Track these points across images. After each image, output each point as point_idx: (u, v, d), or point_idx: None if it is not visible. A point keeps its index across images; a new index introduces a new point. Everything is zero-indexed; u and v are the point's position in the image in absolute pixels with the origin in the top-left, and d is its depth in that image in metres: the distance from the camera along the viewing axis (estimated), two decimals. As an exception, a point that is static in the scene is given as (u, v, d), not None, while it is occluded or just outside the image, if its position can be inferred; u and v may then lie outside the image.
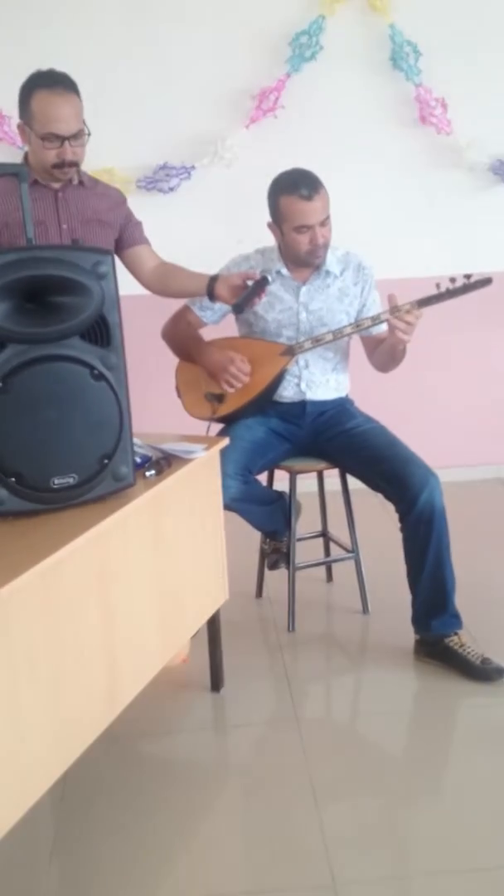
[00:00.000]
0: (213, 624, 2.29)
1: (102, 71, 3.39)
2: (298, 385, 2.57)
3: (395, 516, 2.39)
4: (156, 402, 2.74)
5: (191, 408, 2.61)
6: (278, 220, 2.44)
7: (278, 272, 2.51)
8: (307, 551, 2.85)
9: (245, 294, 2.30)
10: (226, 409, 2.54)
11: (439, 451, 2.97)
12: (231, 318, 2.62)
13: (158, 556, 1.93)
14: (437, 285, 2.36)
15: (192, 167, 3.62)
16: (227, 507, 2.30)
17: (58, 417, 1.64)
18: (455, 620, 2.38)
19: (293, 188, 2.37)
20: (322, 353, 2.56)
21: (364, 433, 2.53)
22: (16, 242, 2.22)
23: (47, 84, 2.19)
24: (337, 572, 2.98)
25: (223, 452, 2.22)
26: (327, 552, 2.94)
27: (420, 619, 2.41)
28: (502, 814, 1.84)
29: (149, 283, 2.51)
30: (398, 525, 2.39)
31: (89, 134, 2.25)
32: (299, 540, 2.74)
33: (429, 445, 2.60)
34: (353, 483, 2.59)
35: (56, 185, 2.30)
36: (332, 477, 2.69)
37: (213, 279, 2.36)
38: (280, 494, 2.69)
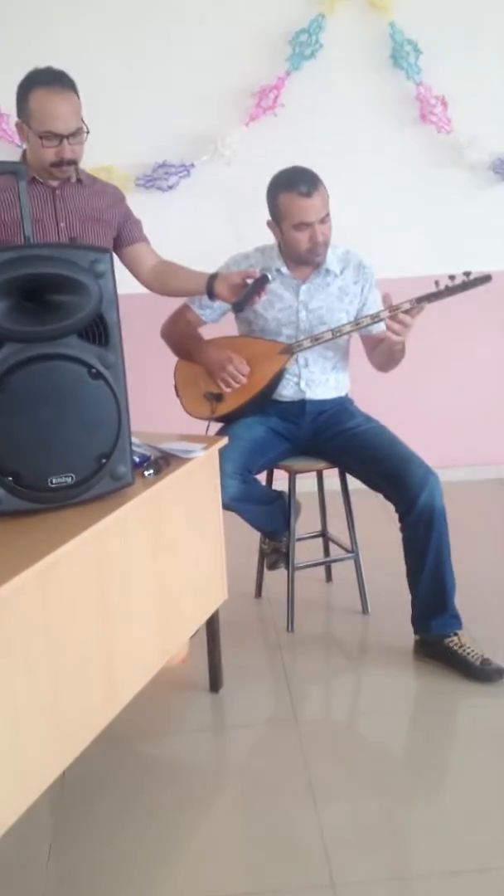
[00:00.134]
0: (212, 624, 2.28)
1: (101, 68, 3.38)
2: (298, 384, 2.57)
3: (395, 516, 2.39)
4: (154, 401, 2.73)
5: (189, 407, 2.61)
6: (277, 218, 2.43)
7: (278, 270, 2.50)
8: (307, 551, 2.84)
9: (245, 292, 2.29)
10: (225, 408, 2.53)
11: (439, 450, 2.96)
12: (230, 316, 2.61)
13: (157, 556, 1.92)
14: (437, 283, 2.35)
15: (192, 165, 3.61)
16: (226, 506, 2.30)
17: (55, 416, 1.64)
18: (455, 621, 2.37)
19: (292, 185, 2.36)
20: (322, 352, 2.55)
21: (364, 433, 2.52)
22: (13, 241, 2.21)
23: (45, 82, 2.18)
24: (336, 572, 2.97)
25: (222, 452, 2.21)
26: (327, 552, 2.93)
27: (420, 620, 2.41)
28: (501, 814, 1.84)
29: (148, 282, 2.50)
30: (398, 525, 2.39)
31: (88, 132, 2.24)
32: (299, 540, 2.73)
33: (429, 445, 2.60)
34: (353, 483, 2.58)
35: (54, 183, 2.29)
36: (332, 476, 2.68)
37: (213, 277, 2.35)
38: (279, 494, 2.69)
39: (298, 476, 2.65)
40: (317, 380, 2.58)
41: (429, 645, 2.40)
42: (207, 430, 2.50)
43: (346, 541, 2.73)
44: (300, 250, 2.44)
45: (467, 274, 2.36)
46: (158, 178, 3.61)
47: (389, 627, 2.58)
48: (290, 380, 2.56)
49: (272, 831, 1.81)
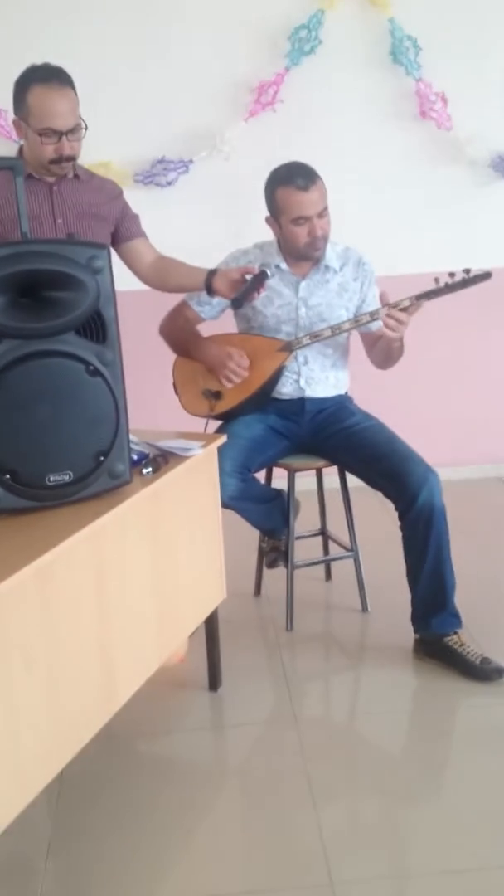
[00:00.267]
0: (211, 623, 2.27)
1: (100, 64, 3.37)
2: (297, 382, 2.56)
3: (395, 514, 2.38)
4: (152, 399, 2.72)
5: (188, 405, 2.60)
6: (276, 213, 2.43)
7: (277, 267, 2.49)
8: (306, 550, 2.83)
9: (244, 288, 2.28)
10: (224, 405, 2.52)
11: (439, 448, 2.96)
12: (229, 313, 2.60)
13: (155, 554, 1.91)
14: (436, 280, 2.35)
15: (190, 161, 3.60)
16: (225, 505, 2.29)
17: (53, 414, 1.63)
18: (455, 619, 2.36)
19: (289, 180, 2.35)
20: (321, 350, 2.54)
21: (363, 431, 2.51)
22: (9, 237, 2.20)
23: (43, 79, 2.17)
24: (336, 571, 2.96)
25: (221, 450, 2.20)
26: (326, 551, 2.93)
27: (419, 618, 2.40)
28: (501, 814, 1.83)
29: (147, 278, 2.49)
30: (397, 523, 2.38)
31: (86, 128, 2.23)
32: (298, 538, 2.72)
33: (429, 443, 2.59)
34: (353, 481, 2.57)
35: (50, 179, 2.28)
36: (331, 475, 2.67)
37: (212, 273, 2.34)
38: (278, 492, 2.68)
39: (298, 474, 2.64)
40: (316, 377, 2.57)
41: (428, 644, 2.39)
42: (206, 427, 2.49)
43: (346, 539, 2.72)
44: (299, 245, 2.43)
45: (467, 271, 2.35)
46: (157, 174, 3.60)
47: (389, 626, 2.57)
48: (290, 377, 2.55)
49: (271, 830, 1.81)
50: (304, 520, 2.83)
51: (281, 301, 2.51)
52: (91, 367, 1.66)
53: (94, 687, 1.71)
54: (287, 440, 2.58)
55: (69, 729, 1.63)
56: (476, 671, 2.29)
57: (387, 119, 3.65)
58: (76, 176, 2.33)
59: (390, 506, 2.39)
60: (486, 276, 2.35)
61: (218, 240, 2.71)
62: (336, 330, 2.45)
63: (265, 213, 2.46)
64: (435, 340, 3.73)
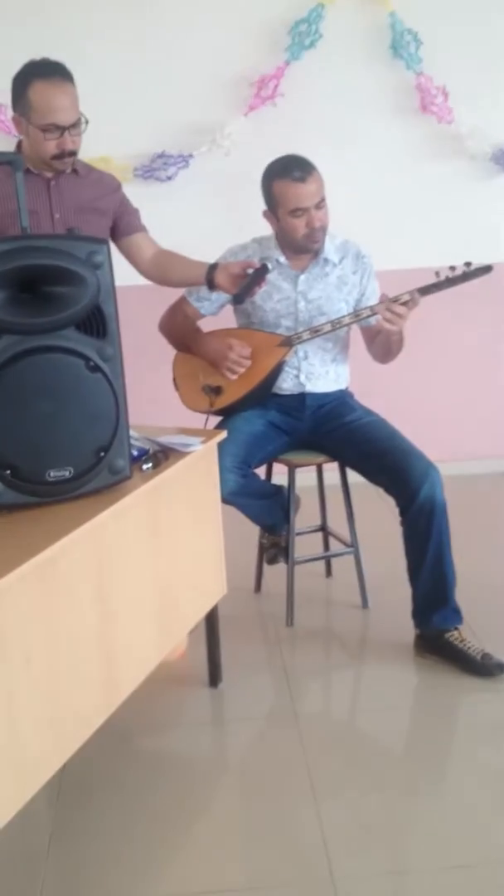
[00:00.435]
0: (212, 618, 2.27)
1: (100, 58, 3.35)
2: (297, 377, 2.55)
3: (396, 510, 2.38)
4: (153, 394, 2.71)
5: (188, 401, 2.59)
6: (273, 207, 2.42)
7: (276, 261, 2.48)
8: (306, 546, 2.83)
9: (245, 283, 2.27)
10: (224, 401, 2.52)
11: (440, 444, 2.95)
12: (229, 309, 2.60)
13: (156, 550, 1.91)
14: (437, 273, 2.34)
15: (190, 156, 3.59)
16: (225, 500, 2.29)
17: (53, 409, 1.62)
18: (455, 615, 2.36)
19: (286, 172, 2.35)
20: (321, 344, 2.53)
21: (364, 426, 2.51)
22: (7, 233, 2.19)
23: (44, 74, 2.15)
24: (336, 567, 2.96)
25: (221, 445, 2.19)
26: (326, 546, 2.92)
27: (420, 614, 2.40)
28: (502, 809, 1.83)
29: (147, 272, 2.48)
30: (398, 519, 2.38)
31: (87, 122, 2.22)
32: (298, 534, 2.72)
33: (430, 438, 2.58)
34: (353, 477, 2.57)
35: (48, 175, 2.27)
36: (332, 471, 2.67)
37: (213, 268, 2.33)
38: (278, 488, 2.68)
39: (298, 470, 2.64)
40: (316, 372, 2.56)
41: (429, 639, 2.39)
42: (206, 423, 2.49)
43: (346, 535, 2.72)
44: (297, 237, 2.42)
45: (468, 265, 2.34)
46: (157, 168, 3.59)
47: (389, 622, 2.57)
48: (290, 373, 2.54)
49: (271, 825, 1.81)
50: (305, 516, 2.83)
51: (280, 295, 2.50)
52: (91, 363, 1.65)
53: (95, 682, 1.71)
54: (287, 436, 2.58)
55: (70, 724, 1.63)
56: (477, 666, 2.28)
57: (387, 113, 3.64)
58: (75, 171, 2.32)
59: (391, 501, 2.39)
60: (486, 269, 2.35)
61: (218, 234, 2.69)
62: (336, 324, 2.44)
63: (264, 207, 2.45)
64: (437, 335, 3.73)
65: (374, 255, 2.59)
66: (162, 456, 1.93)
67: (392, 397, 3.04)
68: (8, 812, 1.47)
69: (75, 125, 2.19)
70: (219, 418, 2.56)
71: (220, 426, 2.46)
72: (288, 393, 2.56)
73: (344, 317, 2.46)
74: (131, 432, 1.81)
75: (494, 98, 3.64)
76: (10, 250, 1.56)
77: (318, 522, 2.91)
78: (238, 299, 2.34)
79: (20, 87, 2.18)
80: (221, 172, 3.57)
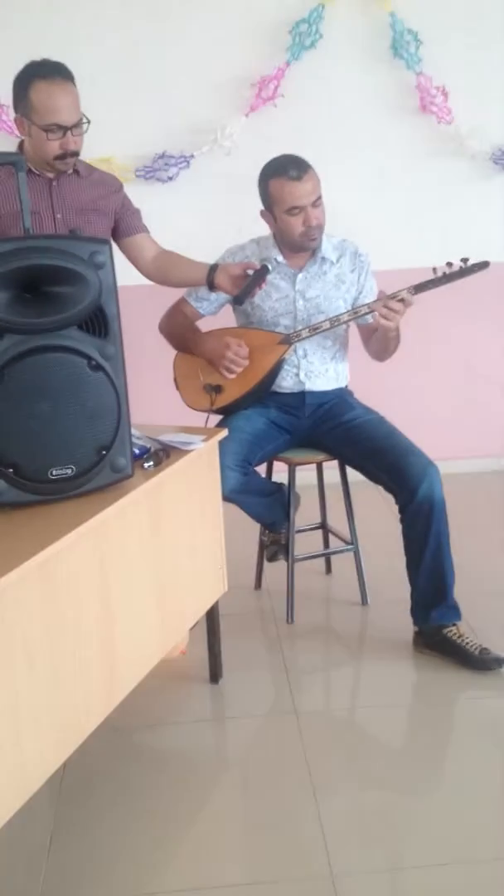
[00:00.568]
0: (212, 616, 2.28)
1: (101, 59, 3.37)
2: (297, 375, 2.56)
3: (395, 508, 2.39)
4: (154, 393, 2.73)
5: (189, 399, 2.60)
6: (270, 206, 2.43)
7: (274, 260, 2.49)
8: (306, 543, 2.84)
9: (245, 285, 2.29)
10: (224, 399, 2.53)
11: (440, 442, 2.96)
12: (227, 310, 2.61)
13: (157, 547, 1.92)
14: (434, 269, 2.35)
15: (192, 156, 3.60)
16: (225, 498, 2.30)
17: (55, 408, 1.63)
18: (454, 611, 2.38)
19: (281, 171, 2.37)
20: (321, 342, 2.55)
21: (363, 424, 2.52)
22: (7, 233, 2.20)
23: (46, 74, 2.16)
24: (336, 564, 2.97)
25: (222, 444, 2.21)
26: (326, 544, 2.94)
27: (419, 611, 2.41)
28: (501, 805, 1.84)
29: (149, 273, 2.49)
30: (397, 517, 2.39)
31: (88, 122, 2.23)
32: (298, 532, 2.73)
33: (429, 436, 2.59)
34: (353, 475, 2.58)
35: (50, 175, 2.28)
36: (332, 469, 2.68)
37: (213, 269, 2.34)
38: (279, 486, 2.69)
39: (298, 468, 2.65)
40: (316, 370, 2.57)
41: (428, 636, 2.40)
42: (207, 422, 2.50)
43: (346, 533, 2.73)
44: (295, 235, 2.43)
45: (465, 260, 2.36)
46: (158, 169, 3.60)
47: (389, 619, 2.59)
48: (290, 371, 2.56)
49: (271, 822, 1.82)
50: (305, 513, 2.84)
51: (278, 294, 2.51)
52: (93, 362, 1.66)
53: (96, 679, 1.72)
54: (288, 434, 2.59)
55: (71, 721, 1.64)
56: (475, 661, 2.30)
57: (388, 113, 3.65)
58: (76, 171, 2.33)
59: (390, 499, 2.40)
60: (483, 265, 2.36)
61: (220, 234, 2.71)
62: (335, 322, 2.46)
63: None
64: (435, 333, 3.73)
65: (374, 254, 2.60)
66: (163, 454, 1.94)
67: (392, 395, 3.06)
68: (10, 808, 1.48)
69: (77, 125, 2.20)
70: (219, 417, 2.57)
71: (220, 425, 2.47)
72: (288, 391, 2.57)
73: (342, 314, 2.47)
74: (133, 431, 1.82)
75: (494, 98, 3.64)
76: (12, 250, 1.57)
77: (318, 520, 2.92)
78: (238, 300, 2.36)
79: (21, 87, 2.19)
80: (222, 173, 3.57)
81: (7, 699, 1.45)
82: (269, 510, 2.64)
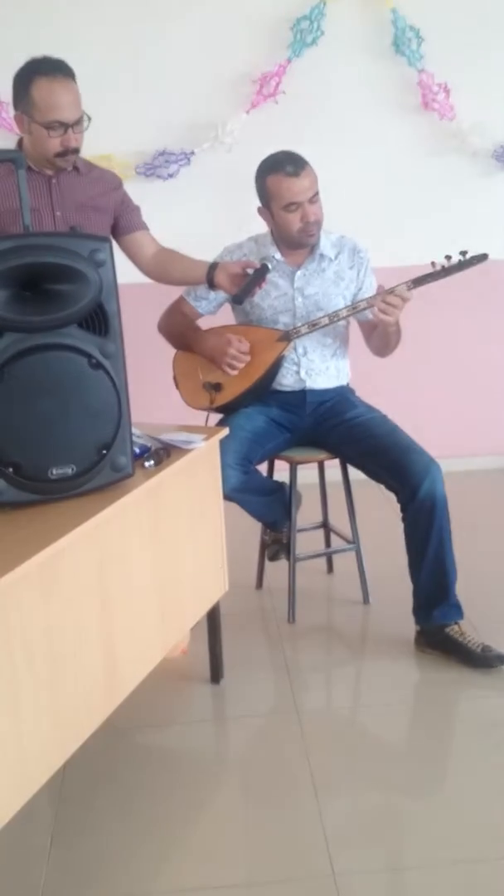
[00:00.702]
0: (213, 615, 2.28)
1: (102, 56, 3.36)
2: (298, 373, 2.55)
3: (397, 507, 2.38)
4: (155, 392, 2.72)
5: (189, 398, 2.60)
6: (267, 202, 2.43)
7: (273, 257, 2.49)
8: (308, 542, 2.84)
9: (245, 284, 2.28)
10: (224, 397, 2.52)
11: (441, 439, 2.95)
12: (226, 308, 2.60)
13: (158, 547, 1.92)
14: (433, 263, 2.34)
15: (192, 153, 3.59)
16: (226, 497, 2.29)
17: (55, 407, 1.63)
18: (456, 610, 2.37)
19: (278, 167, 2.36)
20: (321, 340, 2.54)
21: (365, 423, 2.51)
22: (7, 230, 2.19)
23: (47, 71, 2.15)
24: (337, 563, 2.96)
25: (223, 442, 2.20)
26: (328, 543, 2.93)
27: (421, 609, 2.40)
28: (502, 804, 1.83)
29: (148, 270, 2.49)
30: (399, 515, 2.38)
31: (89, 119, 2.22)
32: (300, 531, 2.73)
33: (431, 434, 2.58)
34: (354, 473, 2.57)
35: (49, 172, 2.27)
36: (333, 467, 2.67)
37: (213, 267, 2.33)
38: (280, 485, 2.68)
39: (299, 467, 2.64)
40: (317, 368, 2.56)
41: (430, 634, 2.40)
42: (207, 420, 2.49)
43: (348, 531, 2.73)
44: (292, 232, 2.42)
45: (463, 253, 2.35)
46: (159, 166, 3.59)
47: (390, 618, 2.58)
48: (290, 369, 2.55)
49: (273, 821, 1.81)
50: (306, 512, 2.83)
51: (277, 292, 2.50)
52: (93, 360, 1.66)
53: (97, 679, 1.71)
54: (289, 432, 2.58)
55: (72, 721, 1.64)
56: (477, 658, 2.29)
57: (389, 110, 3.64)
58: (75, 168, 2.32)
59: (392, 498, 2.40)
60: (482, 257, 2.36)
61: (220, 231, 2.70)
62: (334, 317, 2.45)
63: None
64: (437, 331, 3.73)
65: (376, 251, 2.59)
66: (164, 453, 1.93)
67: (393, 393, 3.05)
68: (10, 809, 1.48)
69: (78, 122, 2.19)
70: (219, 416, 2.56)
71: (221, 423, 2.46)
72: (289, 389, 2.56)
73: (341, 309, 2.46)
74: (133, 430, 1.82)
75: (496, 95, 3.64)
76: (12, 248, 1.56)
77: (319, 519, 2.91)
78: (238, 299, 2.35)
79: (22, 84, 2.18)
80: (223, 170, 3.57)
81: (8, 699, 1.44)
82: (271, 509, 2.64)
